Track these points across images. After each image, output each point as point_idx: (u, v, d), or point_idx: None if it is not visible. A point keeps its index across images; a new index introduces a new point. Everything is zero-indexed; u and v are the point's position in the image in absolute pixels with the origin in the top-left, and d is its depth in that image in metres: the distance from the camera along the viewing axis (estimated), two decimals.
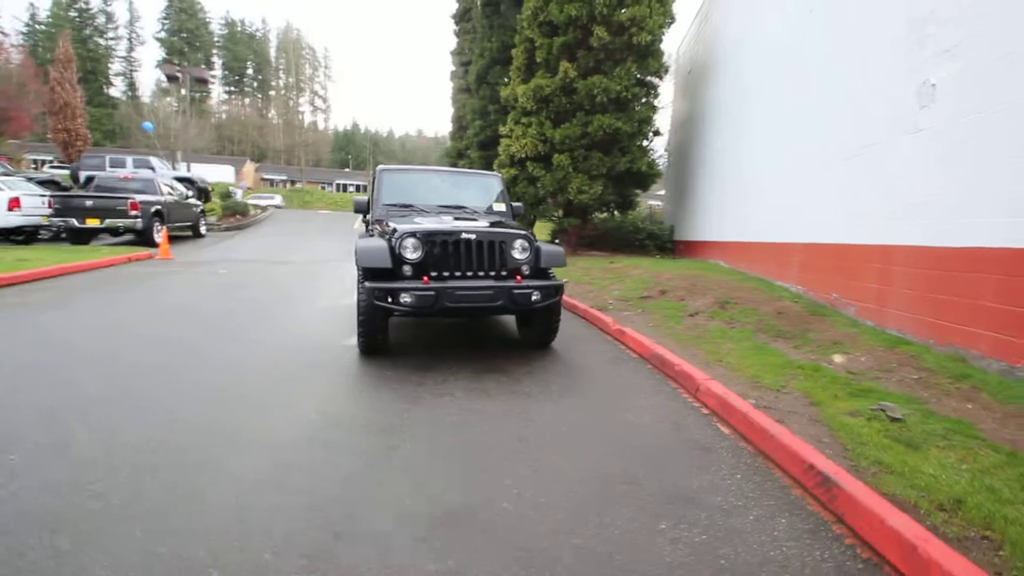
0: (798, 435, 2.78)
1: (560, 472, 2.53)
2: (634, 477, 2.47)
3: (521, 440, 2.89)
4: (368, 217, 5.70)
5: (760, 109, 8.35)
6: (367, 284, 4.12)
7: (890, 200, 5.06)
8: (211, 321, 5.55)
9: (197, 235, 15.04)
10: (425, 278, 4.20)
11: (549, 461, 2.64)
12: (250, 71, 56.38)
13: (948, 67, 4.38)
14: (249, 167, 42.21)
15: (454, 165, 20.66)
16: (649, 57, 11.81)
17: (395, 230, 4.33)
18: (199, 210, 15.09)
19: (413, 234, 4.28)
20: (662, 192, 23.95)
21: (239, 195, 20.93)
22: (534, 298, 4.34)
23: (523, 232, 4.63)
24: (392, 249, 4.25)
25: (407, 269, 4.25)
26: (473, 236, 4.40)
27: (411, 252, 4.25)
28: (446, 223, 4.56)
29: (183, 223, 14.04)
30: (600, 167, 11.94)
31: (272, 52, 58.42)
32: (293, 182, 44.67)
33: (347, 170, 56.45)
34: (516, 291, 4.30)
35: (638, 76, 12.04)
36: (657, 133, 13.04)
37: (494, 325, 6.07)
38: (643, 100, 12.36)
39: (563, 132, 11.91)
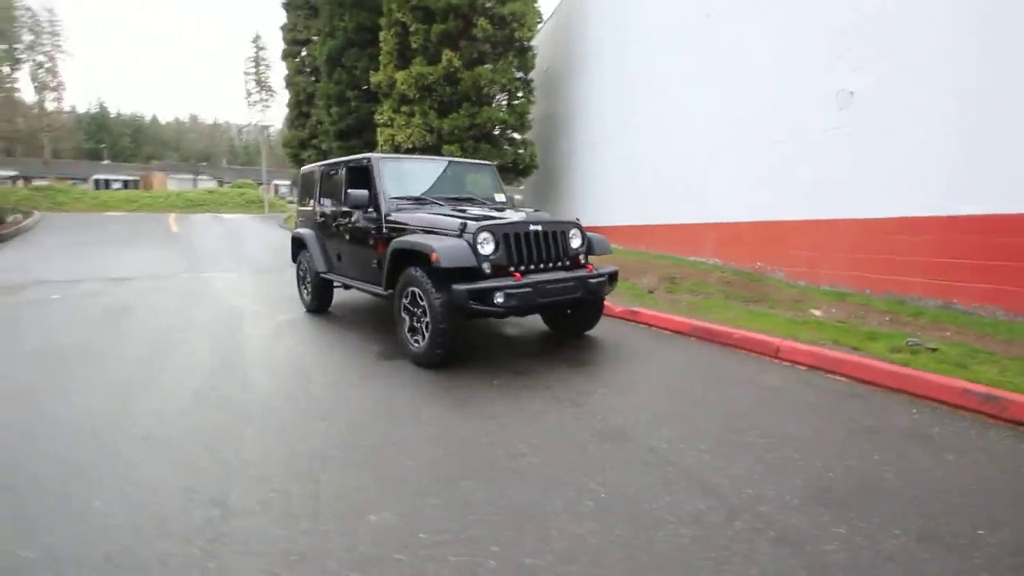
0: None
1: (807, 432, 2.76)
2: (863, 425, 2.83)
3: (732, 415, 3.01)
4: (363, 213, 4.92)
5: (660, 107, 9.42)
6: (458, 287, 3.68)
7: (814, 185, 6.32)
8: (153, 368, 4.23)
9: None
10: (517, 274, 3.92)
11: (779, 423, 2.85)
12: None
13: (863, 79, 5.68)
14: None
15: (296, 157, 18.39)
16: (527, 52, 12.26)
17: (465, 224, 3.91)
18: None
19: (488, 228, 3.93)
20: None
21: None
22: (605, 286, 4.39)
23: (575, 222, 4.60)
24: (471, 247, 3.84)
25: (486, 267, 3.90)
26: (539, 227, 4.24)
27: (487, 247, 3.91)
28: (510, 216, 4.29)
29: None
30: (490, 158, 12.03)
31: None
32: (27, 178, 34.19)
33: (106, 163, 45.16)
34: (591, 280, 4.29)
35: (516, 71, 12.41)
36: (529, 127, 13.63)
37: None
38: (520, 95, 12.79)
39: (452, 122, 11.68)
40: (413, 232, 4.31)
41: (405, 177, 5.06)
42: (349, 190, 4.76)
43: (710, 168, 8.15)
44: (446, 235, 4.01)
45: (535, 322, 5.54)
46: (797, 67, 6.51)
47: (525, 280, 3.87)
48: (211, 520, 1.99)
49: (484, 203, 5.28)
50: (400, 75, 11.97)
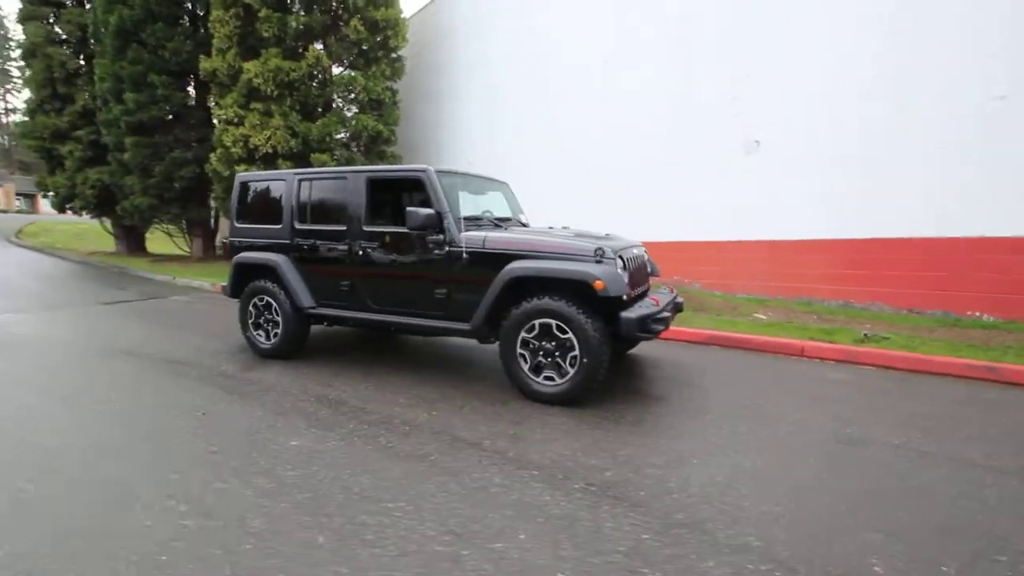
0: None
1: (931, 408, 3.55)
2: (952, 400, 3.77)
3: (873, 409, 3.63)
4: (424, 235, 4.14)
5: (555, 143, 10.06)
6: (627, 316, 3.53)
7: (728, 212, 7.73)
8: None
9: None
10: (655, 299, 3.90)
11: (910, 407, 3.60)
12: None
13: (766, 131, 7.25)
14: None
15: (50, 152, 13.17)
16: (397, 62, 11.64)
17: (602, 249, 3.73)
18: None
19: (620, 253, 3.84)
20: None
21: None
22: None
23: (641, 244, 4.77)
24: None
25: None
26: (636, 251, 4.30)
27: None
28: (612, 240, 4.20)
29: None
30: None
31: None
32: None
33: None
34: (678, 300, 4.53)
35: (387, 81, 11.66)
36: (396, 140, 12.91)
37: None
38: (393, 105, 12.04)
39: (322, 129, 10.33)
40: (518, 257, 3.85)
41: (454, 193, 4.44)
42: (411, 209, 3.96)
43: (625, 199, 9.11)
44: (573, 259, 3.72)
45: None
46: (706, 120, 7.88)
47: (662, 304, 3.90)
48: None
49: (520, 222, 5.00)
50: (251, 66, 10.07)
